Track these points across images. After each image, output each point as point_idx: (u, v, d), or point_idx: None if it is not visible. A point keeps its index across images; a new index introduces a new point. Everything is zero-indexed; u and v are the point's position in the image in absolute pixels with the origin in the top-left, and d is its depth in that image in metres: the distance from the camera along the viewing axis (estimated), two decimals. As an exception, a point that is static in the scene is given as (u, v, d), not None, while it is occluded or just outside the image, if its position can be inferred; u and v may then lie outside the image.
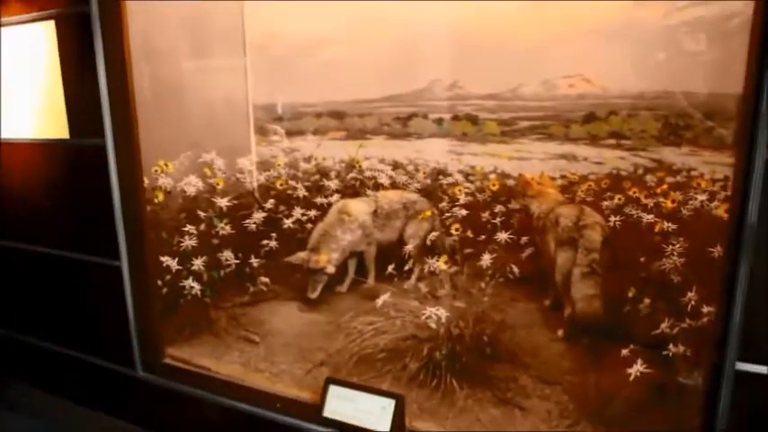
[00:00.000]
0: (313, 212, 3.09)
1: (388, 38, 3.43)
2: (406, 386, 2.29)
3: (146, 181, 2.63)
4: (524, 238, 2.68)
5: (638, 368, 1.94)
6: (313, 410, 2.14)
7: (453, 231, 2.68)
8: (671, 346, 1.96)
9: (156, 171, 2.83)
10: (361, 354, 2.49)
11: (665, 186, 2.52)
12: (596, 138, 2.75)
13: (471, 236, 2.66)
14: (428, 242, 2.92)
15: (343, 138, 3.60)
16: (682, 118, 2.43)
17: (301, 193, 3.18)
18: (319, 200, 3.15)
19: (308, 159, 3.42)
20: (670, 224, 2.37)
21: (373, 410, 2.03)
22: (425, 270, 2.58)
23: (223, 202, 2.91)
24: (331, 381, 2.16)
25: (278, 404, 2.26)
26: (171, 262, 2.72)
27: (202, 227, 2.85)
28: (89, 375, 2.76)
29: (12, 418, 2.77)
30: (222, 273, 2.88)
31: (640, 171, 2.67)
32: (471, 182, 3.16)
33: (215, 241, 2.89)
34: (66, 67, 2.41)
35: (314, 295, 2.95)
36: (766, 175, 1.56)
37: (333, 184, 3.22)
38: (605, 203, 2.67)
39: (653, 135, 2.56)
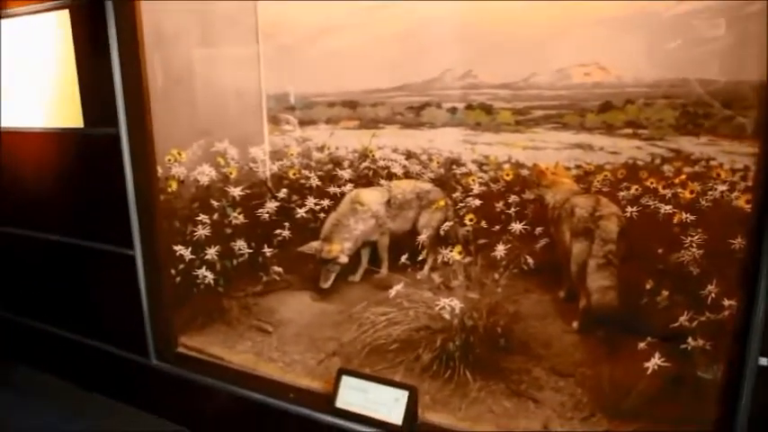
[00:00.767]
0: (326, 202, 3.08)
1: (400, 26, 3.40)
2: (419, 377, 2.28)
3: (159, 170, 2.63)
4: (539, 229, 2.65)
5: (655, 361, 1.91)
6: (325, 401, 2.14)
7: (467, 221, 2.65)
8: (690, 339, 1.93)
9: (169, 160, 2.83)
10: (374, 344, 2.48)
11: (683, 177, 2.48)
12: (612, 127, 2.71)
13: (485, 226, 2.63)
14: (441, 232, 2.90)
15: (355, 127, 3.58)
16: (700, 106, 2.39)
17: (314, 182, 3.17)
18: (332, 189, 3.14)
19: (320, 149, 3.41)
20: (688, 215, 2.33)
21: (386, 401, 2.02)
22: (439, 260, 2.57)
23: (236, 192, 2.90)
24: (343, 371, 2.15)
25: (291, 394, 2.26)
26: (184, 251, 2.72)
27: (215, 216, 2.85)
28: (103, 363, 2.78)
29: (25, 403, 2.79)
30: (235, 262, 2.88)
31: (657, 161, 2.63)
32: (485, 172, 3.14)
33: (228, 230, 2.89)
34: (80, 56, 2.40)
35: (326, 285, 2.94)
36: (790, 165, 1.52)
37: (346, 173, 3.21)
38: (621, 194, 2.64)
39: (670, 124, 2.52)
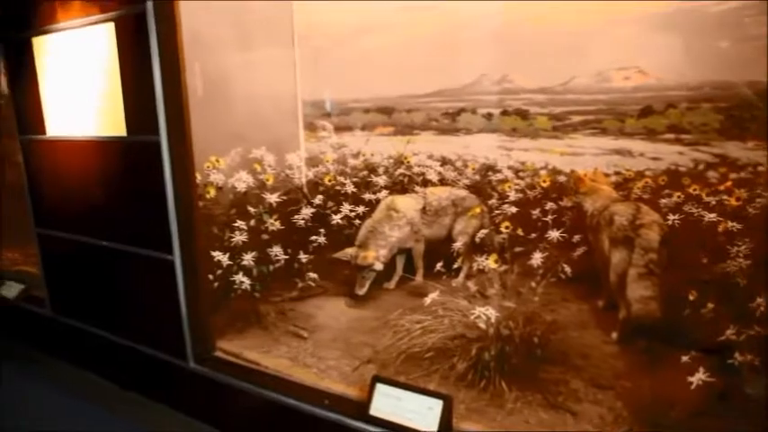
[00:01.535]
0: (361, 208, 3.08)
1: (437, 29, 3.38)
2: (454, 386, 2.26)
3: (198, 176, 2.67)
4: (577, 237, 2.60)
5: (699, 376, 1.84)
6: (359, 408, 2.14)
7: (503, 229, 2.62)
8: (737, 354, 1.86)
9: (207, 167, 2.87)
10: (409, 352, 2.47)
11: (728, 183, 2.40)
12: (653, 132, 2.65)
13: (521, 234, 2.60)
14: (477, 240, 2.87)
15: (390, 133, 3.58)
16: (746, 109, 2.31)
17: (349, 188, 3.18)
18: (367, 196, 3.14)
19: (356, 155, 3.42)
20: (734, 223, 2.25)
21: (420, 410, 2.01)
22: (474, 268, 2.54)
23: (273, 198, 2.93)
24: (378, 379, 2.15)
25: (326, 400, 2.26)
26: (222, 257, 2.76)
27: (252, 222, 2.88)
28: (142, 364, 2.84)
29: (68, 400, 2.87)
30: (271, 268, 2.91)
31: (701, 167, 2.55)
32: (521, 178, 3.10)
33: (264, 236, 2.91)
34: (124, 67, 2.47)
35: (362, 292, 2.95)
36: None
37: (381, 180, 3.21)
38: (663, 201, 2.57)
39: (715, 128, 2.44)
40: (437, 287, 2.44)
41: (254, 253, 2.82)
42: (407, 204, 3.04)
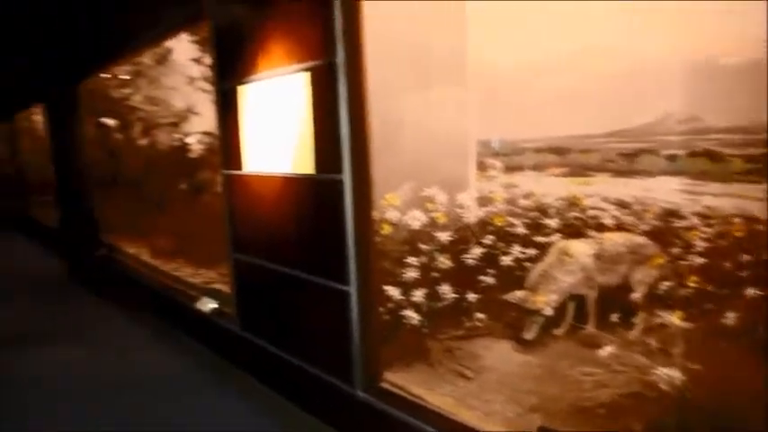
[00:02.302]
0: (531, 251, 3.05)
1: (615, 68, 3.28)
2: (629, 448, 2.13)
3: (375, 213, 2.84)
4: (778, 297, 2.34)
5: None
6: (525, 457, 2.10)
7: (690, 282, 2.44)
8: None
9: (384, 204, 3.04)
10: (578, 405, 2.37)
11: None
12: None
13: (710, 288, 2.40)
14: (658, 291, 2.70)
15: (563, 174, 3.51)
16: None
17: (520, 230, 3.16)
18: (538, 238, 3.10)
19: (527, 196, 3.39)
20: None
21: (592, 470, 1.92)
22: (654, 322, 2.39)
23: (444, 236, 3.01)
24: (544, 430, 2.10)
25: (489, 445, 2.25)
26: (393, 291, 2.88)
27: (423, 259, 2.98)
28: (312, 386, 3.04)
29: (243, 410, 3.14)
30: (440, 305, 2.97)
31: None
32: (710, 226, 2.86)
33: (435, 274, 2.99)
34: (316, 112, 2.73)
35: (530, 336, 2.89)
36: None
37: (552, 222, 3.15)
38: None
39: None
40: (611, 339, 2.33)
41: (424, 289, 2.90)
42: (581, 249, 2.94)
